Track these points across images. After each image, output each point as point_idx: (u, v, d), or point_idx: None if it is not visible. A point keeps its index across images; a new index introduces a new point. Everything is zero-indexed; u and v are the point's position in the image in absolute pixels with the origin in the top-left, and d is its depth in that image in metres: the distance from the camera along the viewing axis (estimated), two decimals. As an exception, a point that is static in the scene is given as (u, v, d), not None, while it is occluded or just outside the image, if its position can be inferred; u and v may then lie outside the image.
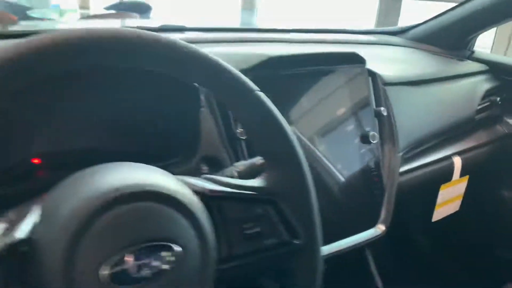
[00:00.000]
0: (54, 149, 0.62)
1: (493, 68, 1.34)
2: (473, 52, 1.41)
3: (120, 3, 3.88)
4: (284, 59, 0.80)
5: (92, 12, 3.57)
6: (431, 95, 1.13)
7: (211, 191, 0.49)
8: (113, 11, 3.53)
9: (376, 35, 1.49)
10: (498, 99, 1.26)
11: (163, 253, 0.40)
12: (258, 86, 0.75)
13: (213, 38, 0.99)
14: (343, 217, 0.85)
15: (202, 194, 0.48)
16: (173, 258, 0.40)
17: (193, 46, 0.47)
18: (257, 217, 0.50)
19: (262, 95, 0.51)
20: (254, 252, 0.50)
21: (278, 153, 0.52)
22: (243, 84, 0.50)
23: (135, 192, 0.40)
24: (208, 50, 0.47)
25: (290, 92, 0.81)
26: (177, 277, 0.41)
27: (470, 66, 1.31)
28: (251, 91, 0.50)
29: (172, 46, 0.45)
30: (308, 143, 0.82)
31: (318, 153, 0.83)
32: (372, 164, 0.89)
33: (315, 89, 0.84)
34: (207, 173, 0.60)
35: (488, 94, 1.27)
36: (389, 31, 1.53)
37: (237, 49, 0.92)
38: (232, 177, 0.57)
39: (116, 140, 0.68)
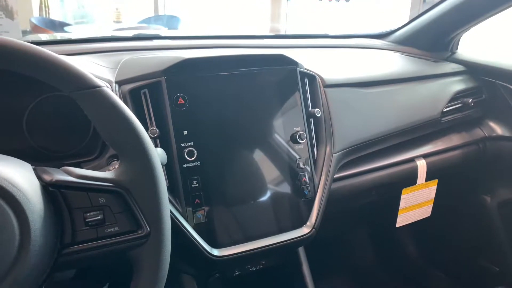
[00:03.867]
0: None
1: (472, 69, 1.29)
2: (453, 53, 1.37)
3: (153, 17, 4.09)
4: (203, 60, 0.84)
5: (125, 25, 3.80)
6: (390, 97, 1.12)
7: (57, 180, 0.53)
8: (144, 24, 3.74)
9: (359, 39, 1.49)
10: (470, 100, 1.21)
11: None
12: (177, 88, 0.80)
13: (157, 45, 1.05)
14: (270, 216, 0.86)
15: (48, 183, 0.53)
16: None
17: (46, 51, 0.53)
18: (100, 206, 0.54)
19: (106, 90, 0.55)
20: (95, 239, 0.54)
21: (126, 146, 0.56)
22: (88, 81, 0.54)
23: None
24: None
25: (215, 93, 0.83)
26: None
27: (445, 67, 1.27)
28: (94, 87, 0.54)
29: (29, 52, 0.51)
30: (235, 143, 0.85)
31: (246, 152, 0.85)
32: (301, 164, 0.89)
33: (243, 90, 0.86)
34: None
35: (460, 95, 1.22)
36: (373, 35, 1.52)
37: (162, 54, 0.97)
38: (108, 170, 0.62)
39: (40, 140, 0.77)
